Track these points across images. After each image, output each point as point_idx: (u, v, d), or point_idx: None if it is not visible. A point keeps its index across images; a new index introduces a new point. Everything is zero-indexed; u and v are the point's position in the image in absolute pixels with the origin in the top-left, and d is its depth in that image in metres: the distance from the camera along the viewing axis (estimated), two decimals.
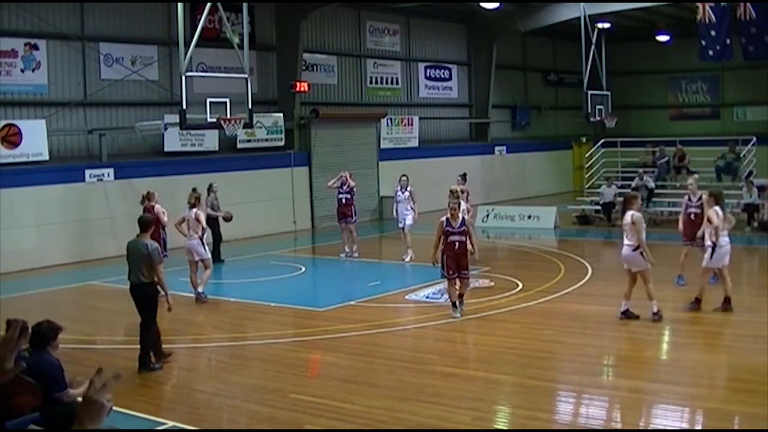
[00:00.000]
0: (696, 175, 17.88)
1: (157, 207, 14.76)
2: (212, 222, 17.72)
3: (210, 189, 17.80)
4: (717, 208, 11.95)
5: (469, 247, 12.32)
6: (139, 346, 10.10)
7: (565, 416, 8.37)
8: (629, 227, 11.61)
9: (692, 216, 14.25)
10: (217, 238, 17.94)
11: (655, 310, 11.58)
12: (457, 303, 12.18)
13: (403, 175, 18.18)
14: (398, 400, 8.52)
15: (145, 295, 10.08)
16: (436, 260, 12.09)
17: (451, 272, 11.99)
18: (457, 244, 11.92)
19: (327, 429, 7.88)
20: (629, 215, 11.66)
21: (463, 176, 17.91)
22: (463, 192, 14.88)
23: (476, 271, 15.87)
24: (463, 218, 12.14)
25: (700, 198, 13.88)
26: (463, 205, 14.21)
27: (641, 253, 11.52)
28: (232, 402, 8.96)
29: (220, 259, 17.75)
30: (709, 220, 12.02)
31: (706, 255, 12.04)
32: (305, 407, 8.38)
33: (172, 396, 9.33)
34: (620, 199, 23.43)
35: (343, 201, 18.30)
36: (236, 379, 9.82)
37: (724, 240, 11.93)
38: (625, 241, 11.71)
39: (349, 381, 9.28)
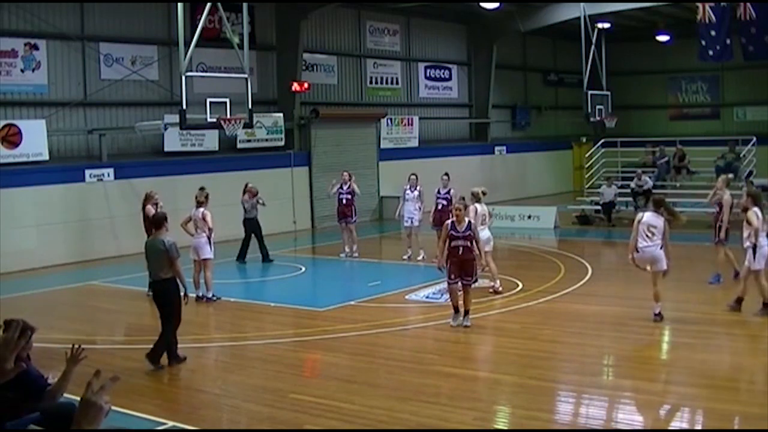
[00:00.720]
0: (729, 175, 17.66)
1: (148, 207, 14.69)
2: (252, 223, 17.63)
3: (246, 189, 17.68)
4: (756, 209, 11.75)
5: (476, 251, 11.75)
6: (155, 342, 10.17)
7: (565, 416, 8.37)
8: (659, 230, 11.60)
9: (714, 214, 14.45)
10: (261, 238, 17.85)
11: (658, 311, 11.59)
12: (461, 312, 11.61)
13: (413, 174, 18.07)
14: (398, 400, 8.52)
15: (166, 291, 10.14)
16: (442, 265, 11.74)
17: (452, 277, 11.54)
18: (460, 249, 11.41)
19: (327, 429, 7.87)
20: (662, 221, 11.64)
21: (447, 176, 17.86)
22: (485, 193, 14.32)
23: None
24: (469, 222, 11.62)
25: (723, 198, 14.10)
26: (482, 209, 14.01)
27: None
28: (232, 402, 8.96)
29: (269, 258, 17.93)
30: (748, 222, 11.78)
31: (749, 256, 11.79)
32: (305, 407, 8.38)
33: (172, 396, 9.33)
34: (622, 198, 23.69)
35: (344, 201, 18.31)
36: (236, 379, 9.82)
37: (763, 241, 11.70)
38: (649, 242, 11.61)
39: (349, 381, 9.28)
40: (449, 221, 11.67)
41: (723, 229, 13.98)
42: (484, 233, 13.81)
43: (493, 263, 14.00)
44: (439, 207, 17.14)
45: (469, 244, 11.44)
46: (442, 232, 11.80)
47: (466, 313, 11.60)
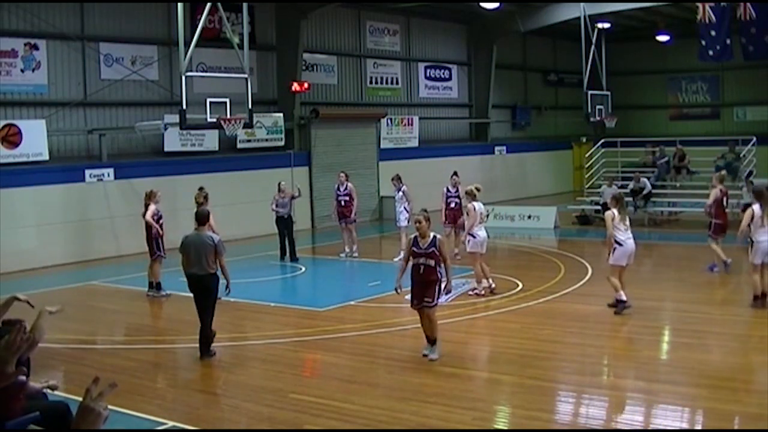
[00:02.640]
0: (722, 172, 18.39)
1: (152, 207, 14.70)
2: (286, 221, 17.89)
3: (279, 187, 17.99)
4: (755, 206, 12.27)
5: (442, 272, 10.04)
6: (200, 337, 10.47)
7: (565, 416, 8.36)
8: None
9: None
10: (291, 238, 18.03)
11: (625, 298, 12.12)
12: (427, 347, 10.12)
13: (393, 177, 18.37)
14: (398, 400, 8.52)
15: (210, 285, 10.41)
16: (400, 286, 10.21)
17: (414, 302, 10.01)
18: (422, 267, 9.81)
19: (327, 429, 7.87)
20: None
21: (457, 174, 17.88)
22: (480, 189, 14.16)
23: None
24: (434, 238, 9.89)
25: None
26: (479, 206, 13.91)
27: None
28: (232, 402, 8.96)
29: (295, 257, 18.07)
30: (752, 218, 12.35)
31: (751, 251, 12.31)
32: (305, 407, 8.38)
33: (172, 396, 9.32)
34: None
35: (342, 203, 18.36)
36: (236, 379, 9.82)
37: (762, 237, 12.04)
38: (630, 234, 12.24)
39: (349, 381, 9.27)
40: (413, 236, 10.09)
41: (714, 224, 15.17)
42: (481, 233, 13.86)
43: (485, 266, 13.94)
44: (452, 205, 17.19)
45: (431, 263, 9.82)
46: (406, 248, 10.27)
47: (432, 342, 10.04)
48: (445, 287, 10.04)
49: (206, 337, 10.41)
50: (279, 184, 18.20)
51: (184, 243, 10.60)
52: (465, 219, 14.28)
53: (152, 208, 14.66)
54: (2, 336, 6.63)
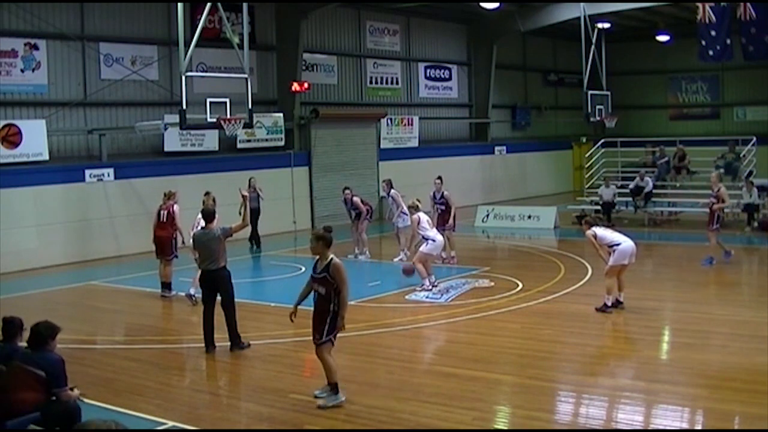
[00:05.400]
0: (720, 170, 18.80)
1: (176, 207, 14.78)
2: (256, 212, 19.70)
3: (250, 183, 19.71)
4: None
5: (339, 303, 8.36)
6: (227, 330, 10.81)
7: (565, 416, 8.36)
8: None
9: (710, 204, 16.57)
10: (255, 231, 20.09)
11: (622, 299, 12.36)
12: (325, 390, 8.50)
13: (383, 180, 18.81)
14: (398, 400, 8.52)
15: (223, 278, 10.80)
16: (294, 311, 8.83)
17: (315, 336, 8.44)
18: (315, 295, 8.52)
19: (327, 429, 7.88)
20: None
21: (440, 179, 17.57)
22: (420, 201, 15.23)
23: (476, 271, 15.90)
24: (330, 262, 8.35)
25: None
26: (425, 216, 14.72)
27: None
28: (232, 402, 8.96)
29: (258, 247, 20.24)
30: None
31: None
32: (305, 407, 8.38)
33: (172, 396, 9.32)
34: (621, 198, 23.70)
35: (357, 218, 18.38)
36: (236, 379, 9.82)
37: None
38: (625, 237, 12.45)
39: (349, 381, 9.25)
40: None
41: (721, 218, 15.94)
42: (438, 237, 14.69)
43: (426, 266, 14.36)
44: (439, 212, 17.17)
45: (322, 291, 8.36)
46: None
47: (330, 387, 8.43)
48: (337, 324, 8.29)
49: (235, 327, 10.76)
50: (250, 180, 19.81)
51: (196, 242, 11.14)
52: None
53: (176, 207, 14.72)
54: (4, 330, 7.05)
